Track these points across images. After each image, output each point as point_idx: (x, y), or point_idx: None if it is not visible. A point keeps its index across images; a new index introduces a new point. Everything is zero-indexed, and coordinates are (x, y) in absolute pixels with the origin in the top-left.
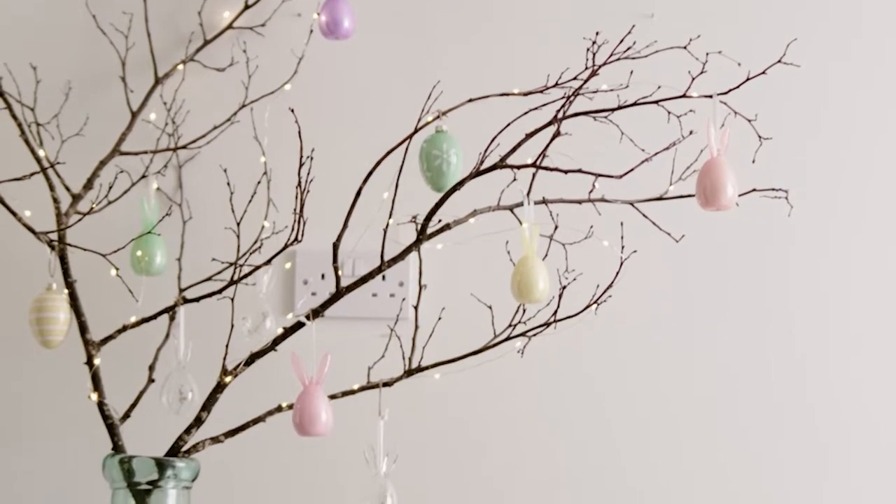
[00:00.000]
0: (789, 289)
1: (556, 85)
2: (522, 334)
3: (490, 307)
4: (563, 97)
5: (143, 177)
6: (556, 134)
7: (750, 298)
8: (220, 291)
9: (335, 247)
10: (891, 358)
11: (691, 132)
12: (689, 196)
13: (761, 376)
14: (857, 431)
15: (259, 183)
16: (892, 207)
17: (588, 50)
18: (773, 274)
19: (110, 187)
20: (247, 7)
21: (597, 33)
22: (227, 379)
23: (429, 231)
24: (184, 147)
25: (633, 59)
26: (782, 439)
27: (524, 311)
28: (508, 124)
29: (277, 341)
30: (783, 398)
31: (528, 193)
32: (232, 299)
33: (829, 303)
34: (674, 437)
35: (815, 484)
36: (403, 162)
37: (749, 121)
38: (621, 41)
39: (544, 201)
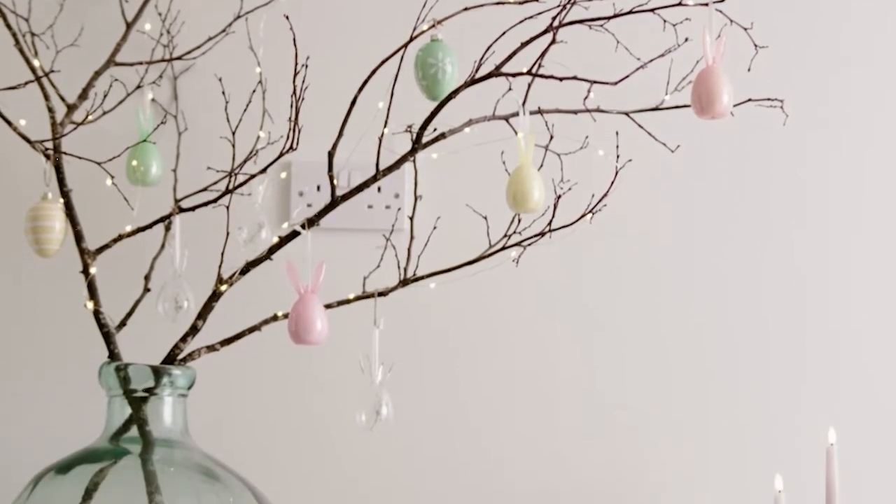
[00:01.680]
0: (786, 198)
1: None
2: (517, 244)
3: (485, 217)
4: (559, 5)
5: (139, 87)
6: (552, 42)
7: (745, 208)
8: (215, 201)
9: (330, 155)
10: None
11: (686, 39)
12: (685, 107)
13: (758, 287)
14: (847, 350)
15: (254, 92)
16: None
17: None
18: (770, 183)
19: (105, 97)
20: None
21: None
22: (223, 287)
23: (424, 140)
24: (179, 58)
25: None
26: (773, 353)
27: (519, 220)
28: (504, 33)
29: (273, 250)
30: (780, 305)
31: (523, 103)
32: (227, 207)
33: (827, 210)
34: (667, 343)
35: (803, 397)
36: (399, 71)
37: (745, 29)
38: None
39: (539, 111)
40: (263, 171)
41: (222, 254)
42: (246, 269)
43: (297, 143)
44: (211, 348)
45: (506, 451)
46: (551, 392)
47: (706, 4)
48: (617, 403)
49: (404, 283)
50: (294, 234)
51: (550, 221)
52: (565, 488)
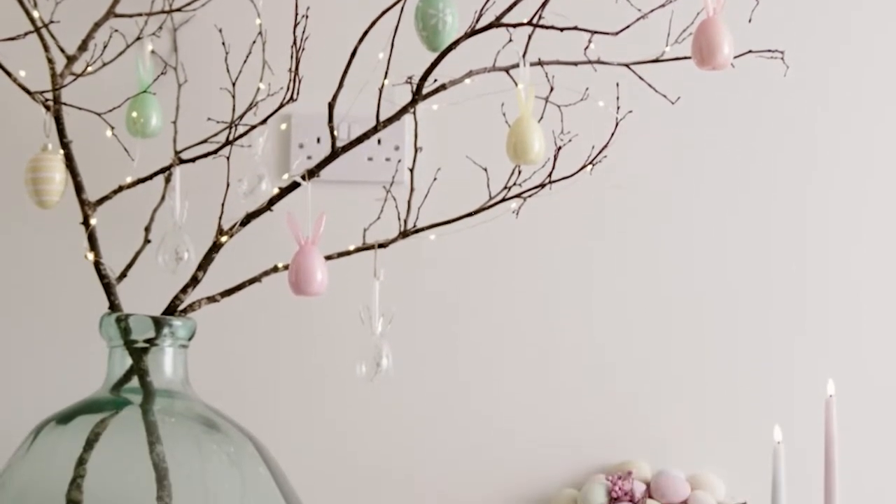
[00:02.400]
0: (784, 148)
1: None
2: (517, 196)
3: (485, 169)
4: None
5: (138, 39)
6: None
7: (745, 160)
8: (215, 152)
9: (330, 107)
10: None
11: None
12: (685, 58)
13: (758, 240)
14: (847, 303)
15: (254, 43)
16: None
17: None
18: (771, 135)
19: (104, 48)
20: None
21: None
22: (223, 239)
23: (424, 92)
24: (178, 10)
25: None
26: (772, 305)
27: (519, 172)
28: None
29: (273, 201)
30: (780, 257)
31: (523, 54)
32: (227, 159)
33: (831, 162)
34: (667, 296)
35: (802, 349)
36: (399, 22)
37: None
38: None
39: (540, 63)
40: (263, 122)
41: (222, 205)
42: (246, 221)
43: (298, 94)
44: (211, 299)
45: (503, 404)
46: (550, 344)
47: None
48: (616, 357)
49: (404, 234)
50: (294, 186)
51: (551, 173)
52: (563, 442)
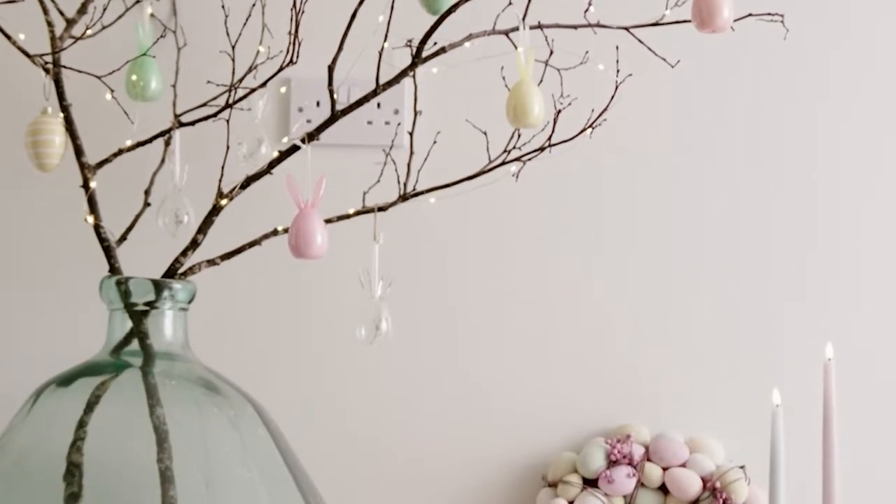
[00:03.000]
0: (787, 110)
1: None
2: (517, 159)
3: (485, 132)
4: None
5: (137, 2)
6: None
7: (746, 123)
8: (215, 115)
9: (330, 70)
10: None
11: None
12: (685, 22)
13: (759, 200)
14: (847, 266)
15: (254, 6)
16: None
17: None
18: (771, 97)
19: (104, 11)
20: None
21: None
22: (223, 202)
23: (424, 55)
24: None
25: None
26: (773, 267)
27: (519, 136)
28: None
29: (273, 164)
30: (781, 219)
31: (523, 18)
32: (227, 121)
33: (832, 122)
34: (667, 258)
35: (801, 311)
36: None
37: None
38: None
39: (539, 26)
40: (263, 85)
41: (222, 168)
42: (246, 184)
43: (297, 58)
44: (211, 262)
45: (504, 364)
46: (549, 308)
47: None
48: (615, 319)
49: (404, 198)
50: (294, 149)
51: (550, 136)
52: (563, 406)
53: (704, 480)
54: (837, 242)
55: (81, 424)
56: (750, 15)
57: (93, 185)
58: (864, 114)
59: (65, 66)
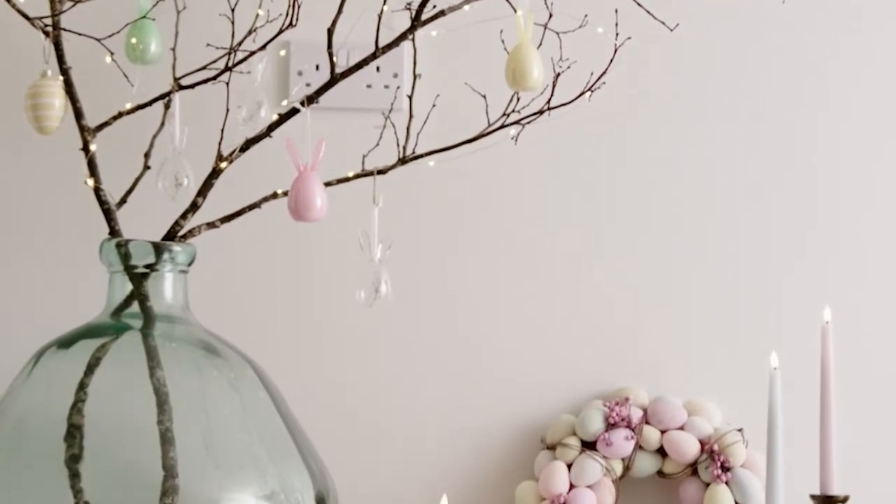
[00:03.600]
0: (787, 73)
1: None
2: (516, 122)
3: (484, 96)
4: None
5: None
6: None
7: (746, 85)
8: (214, 78)
9: (329, 32)
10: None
11: None
12: None
13: (760, 162)
14: (845, 229)
15: None
16: None
17: None
18: (770, 59)
19: None
20: None
21: None
22: (223, 165)
23: (423, 18)
24: None
25: None
26: (771, 229)
27: (518, 99)
28: None
29: (273, 127)
30: (780, 180)
31: None
32: (227, 84)
33: (834, 84)
34: (666, 219)
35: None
36: None
37: None
38: None
39: None
40: (262, 48)
41: (222, 131)
42: (246, 147)
43: (297, 21)
44: (211, 225)
45: (502, 331)
46: (548, 271)
47: None
48: (613, 281)
49: (403, 161)
50: (293, 112)
51: (549, 100)
52: (561, 369)
53: (702, 443)
54: (837, 206)
55: (82, 386)
56: None
57: (92, 147)
58: (868, 75)
59: (64, 29)
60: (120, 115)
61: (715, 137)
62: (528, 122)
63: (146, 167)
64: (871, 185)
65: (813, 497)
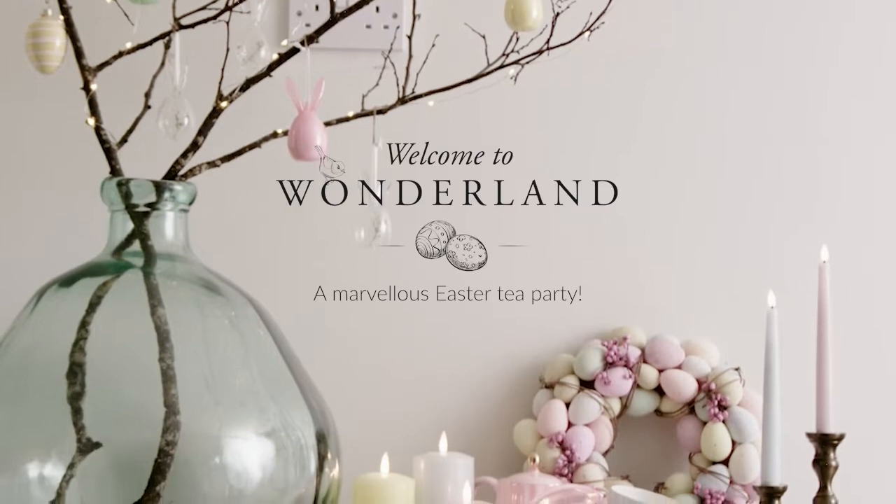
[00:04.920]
0: (787, 16)
1: None
2: (515, 62)
3: (483, 36)
4: None
5: None
6: None
7: (751, 27)
8: (214, 17)
9: None
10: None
11: None
12: None
13: (759, 104)
14: (846, 171)
15: None
16: None
17: None
18: (772, 9)
19: None
20: None
21: None
22: (223, 104)
23: None
24: None
25: None
26: (769, 171)
27: (517, 39)
28: None
29: (272, 67)
30: (782, 125)
31: None
32: (227, 24)
33: (828, 23)
34: (665, 161)
35: (797, 214)
36: None
37: None
38: None
39: None
40: None
41: (222, 71)
42: (246, 86)
43: None
44: (212, 164)
45: (501, 269)
46: (547, 213)
47: None
48: (611, 225)
49: (403, 101)
50: (293, 52)
51: (548, 40)
52: (560, 309)
53: (700, 382)
54: (834, 145)
55: (83, 324)
56: None
57: (93, 87)
58: (867, 10)
59: None
60: (120, 54)
61: (714, 74)
62: (528, 62)
63: (147, 107)
64: (868, 124)
65: (809, 435)
